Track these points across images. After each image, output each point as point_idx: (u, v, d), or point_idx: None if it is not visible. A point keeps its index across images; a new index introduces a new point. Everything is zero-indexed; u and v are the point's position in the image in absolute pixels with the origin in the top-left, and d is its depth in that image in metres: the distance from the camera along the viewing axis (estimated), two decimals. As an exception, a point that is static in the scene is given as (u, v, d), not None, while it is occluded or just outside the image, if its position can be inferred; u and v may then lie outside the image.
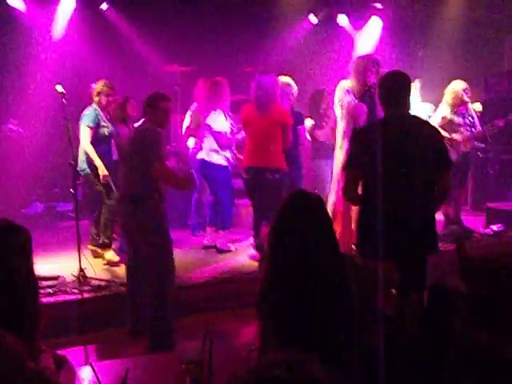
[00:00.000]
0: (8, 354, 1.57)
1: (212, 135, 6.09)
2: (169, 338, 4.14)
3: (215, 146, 6.10)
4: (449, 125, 6.42)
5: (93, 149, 5.67)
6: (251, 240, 6.15)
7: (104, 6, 8.36)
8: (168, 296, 4.19)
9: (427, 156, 3.54)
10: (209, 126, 6.09)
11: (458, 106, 6.53)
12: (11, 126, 7.86)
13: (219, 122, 6.08)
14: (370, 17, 9.38)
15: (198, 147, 6.36)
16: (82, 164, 5.71)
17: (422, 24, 9.58)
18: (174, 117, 6.81)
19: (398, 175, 3.51)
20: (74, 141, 5.40)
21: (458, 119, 6.53)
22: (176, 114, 7.08)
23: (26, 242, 2.00)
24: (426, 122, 4.09)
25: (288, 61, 8.97)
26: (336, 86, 5.84)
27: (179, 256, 4.91)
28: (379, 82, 3.83)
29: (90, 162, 5.68)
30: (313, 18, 9.42)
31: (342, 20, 9.43)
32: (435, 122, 6.17)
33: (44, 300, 4.29)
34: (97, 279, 5.08)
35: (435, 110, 6.76)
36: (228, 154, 6.21)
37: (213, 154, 6.11)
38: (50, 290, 4.73)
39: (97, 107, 5.82)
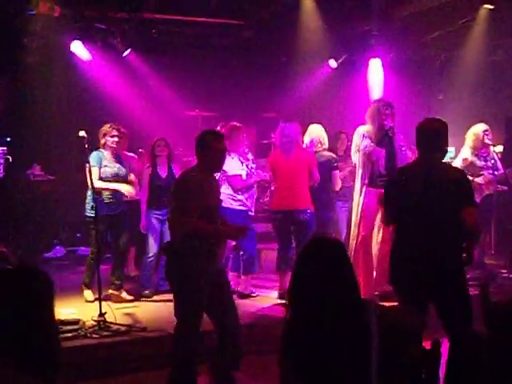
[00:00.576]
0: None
1: (227, 180, 6.06)
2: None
3: (231, 191, 6.05)
4: (470, 167, 6.34)
5: (103, 182, 5.81)
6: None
7: (126, 52, 8.51)
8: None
9: (455, 196, 3.66)
10: (223, 171, 6.02)
11: (480, 148, 6.50)
12: (35, 171, 8.00)
13: (234, 166, 6.05)
14: (388, 62, 9.31)
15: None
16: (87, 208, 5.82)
17: (443, 67, 9.63)
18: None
19: (426, 217, 3.68)
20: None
21: (479, 162, 6.49)
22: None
23: (48, 288, 2.00)
24: (456, 168, 4.31)
25: (307, 104, 9.07)
26: (354, 129, 5.89)
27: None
28: (417, 126, 3.87)
29: (91, 206, 5.59)
30: (332, 63, 9.49)
31: (375, 64, 8.96)
32: (457, 164, 6.15)
33: (63, 344, 4.27)
34: (117, 324, 5.07)
35: (456, 154, 6.73)
36: (243, 198, 6.10)
37: (229, 200, 6.00)
38: (69, 334, 4.72)
39: (102, 149, 5.95)
